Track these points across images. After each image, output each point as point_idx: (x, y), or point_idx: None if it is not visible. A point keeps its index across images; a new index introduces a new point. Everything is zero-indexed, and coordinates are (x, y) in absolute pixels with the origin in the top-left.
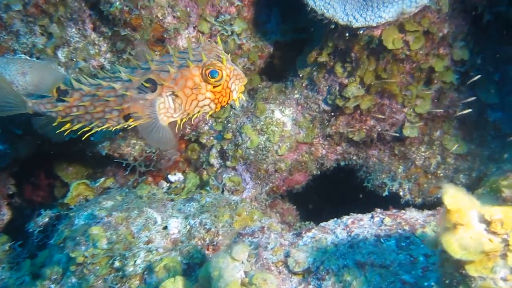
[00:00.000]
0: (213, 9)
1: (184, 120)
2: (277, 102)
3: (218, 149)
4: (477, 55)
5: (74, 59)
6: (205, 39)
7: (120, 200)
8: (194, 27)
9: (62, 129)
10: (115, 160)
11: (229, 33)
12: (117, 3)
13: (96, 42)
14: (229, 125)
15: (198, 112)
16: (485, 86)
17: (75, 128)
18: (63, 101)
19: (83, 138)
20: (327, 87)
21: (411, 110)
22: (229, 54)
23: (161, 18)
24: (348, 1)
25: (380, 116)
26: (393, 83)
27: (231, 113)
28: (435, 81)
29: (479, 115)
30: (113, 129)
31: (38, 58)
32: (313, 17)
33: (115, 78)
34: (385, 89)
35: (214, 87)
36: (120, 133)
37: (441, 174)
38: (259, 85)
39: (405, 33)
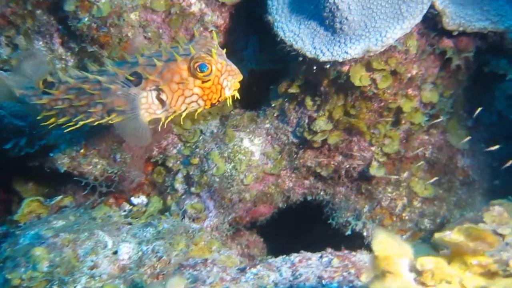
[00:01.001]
0: (187, 33)
1: (169, 118)
2: (247, 130)
3: (184, 174)
4: (448, 99)
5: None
6: (199, 33)
7: (73, 221)
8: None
9: (48, 122)
10: (75, 178)
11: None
12: (86, 19)
13: (63, 57)
14: (197, 150)
15: (186, 109)
16: (456, 131)
17: (60, 121)
18: (49, 93)
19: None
20: (297, 119)
21: (379, 149)
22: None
23: (131, 37)
24: (317, 34)
25: (348, 152)
26: (361, 120)
27: (200, 138)
28: (403, 122)
29: (449, 159)
30: (96, 124)
31: (1, 69)
32: (282, 48)
33: (102, 72)
34: (353, 126)
35: (203, 82)
36: (82, 151)
37: (406, 217)
38: (231, 112)
39: (373, 71)
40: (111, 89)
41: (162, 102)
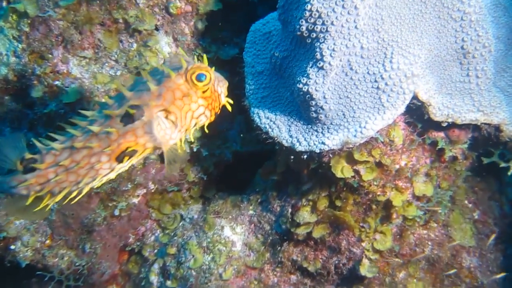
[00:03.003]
0: None
1: (183, 140)
2: (229, 217)
3: (160, 265)
4: (446, 190)
5: None
6: (172, 54)
7: None
8: None
9: (42, 205)
10: (38, 272)
11: (180, 142)
12: (53, 105)
13: (31, 143)
14: (175, 238)
15: (195, 124)
16: (459, 225)
17: (58, 198)
18: (33, 170)
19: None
20: (280, 207)
21: (370, 245)
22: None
23: None
24: (294, 122)
25: (335, 247)
26: (348, 212)
27: (180, 224)
28: (395, 216)
29: (452, 257)
30: (106, 180)
31: None
32: (258, 135)
33: (91, 122)
34: (339, 219)
35: (203, 92)
36: (47, 242)
37: None
38: (215, 195)
39: (355, 163)
40: (112, 133)
41: (173, 123)
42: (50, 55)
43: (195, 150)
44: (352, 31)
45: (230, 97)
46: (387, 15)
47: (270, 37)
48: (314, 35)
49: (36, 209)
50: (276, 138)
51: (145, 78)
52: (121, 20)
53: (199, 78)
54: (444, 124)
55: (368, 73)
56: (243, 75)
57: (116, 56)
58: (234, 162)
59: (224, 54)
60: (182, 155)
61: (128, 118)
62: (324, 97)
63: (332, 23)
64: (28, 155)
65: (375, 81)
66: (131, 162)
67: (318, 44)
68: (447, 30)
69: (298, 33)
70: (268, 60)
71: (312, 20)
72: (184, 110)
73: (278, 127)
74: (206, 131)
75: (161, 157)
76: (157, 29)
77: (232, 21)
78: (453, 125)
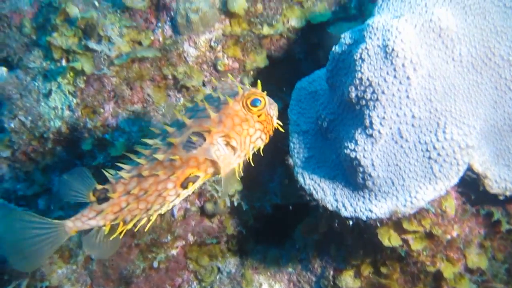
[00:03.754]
0: None
1: (241, 164)
2: (268, 273)
3: None
4: (502, 263)
5: (52, 207)
6: (222, 81)
7: None
8: None
9: (117, 233)
10: None
11: (238, 166)
12: (101, 157)
13: None
14: None
15: (253, 148)
16: None
17: (129, 226)
18: (107, 200)
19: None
20: (321, 268)
21: None
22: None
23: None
24: (339, 186)
25: None
26: (394, 281)
27: (217, 277)
28: None
29: None
30: (171, 206)
31: (17, 204)
32: (302, 196)
33: (152, 151)
34: (385, 286)
35: (258, 116)
36: None
37: None
38: (253, 249)
39: (404, 232)
40: (175, 160)
41: (232, 148)
42: (101, 110)
43: (235, 204)
44: (403, 100)
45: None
46: (440, 85)
47: (316, 96)
48: (364, 102)
49: (112, 237)
50: (320, 201)
51: (203, 105)
52: (170, 76)
53: (254, 103)
54: (501, 197)
55: (419, 142)
56: (287, 131)
57: (163, 110)
58: (274, 215)
59: None
60: (235, 179)
61: (190, 145)
62: (373, 164)
63: (383, 92)
64: (99, 186)
65: (427, 150)
66: (194, 187)
67: (368, 111)
68: (505, 101)
69: (347, 98)
70: (313, 120)
71: (362, 88)
72: (243, 135)
73: (323, 189)
74: (252, 163)
75: (201, 209)
76: (204, 84)
77: (277, 77)
78: (510, 199)
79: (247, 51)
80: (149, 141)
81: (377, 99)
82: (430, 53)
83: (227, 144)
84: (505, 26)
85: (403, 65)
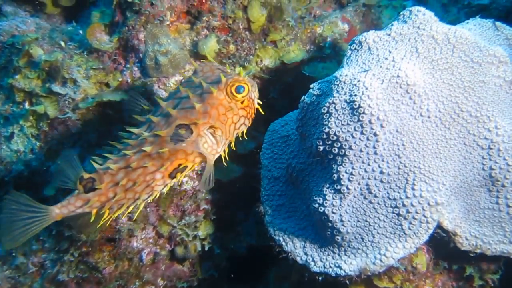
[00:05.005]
0: (178, 209)
1: (226, 150)
2: None
3: None
4: None
5: (13, 253)
6: (202, 63)
7: None
8: (153, 227)
9: (103, 221)
10: None
11: (191, 238)
12: None
13: (41, 238)
14: None
15: (236, 134)
16: None
17: (116, 214)
18: (94, 190)
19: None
20: None
21: None
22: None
23: (114, 218)
24: (309, 239)
25: None
26: None
27: None
28: None
29: None
30: (158, 195)
31: None
32: (272, 247)
33: (141, 142)
34: None
35: (241, 103)
36: None
37: None
38: None
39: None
40: (164, 153)
41: (218, 138)
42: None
43: (206, 248)
44: (371, 156)
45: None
46: (408, 141)
47: (288, 141)
48: (332, 156)
49: (99, 225)
50: (290, 254)
51: (186, 92)
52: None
53: (238, 90)
54: (472, 254)
55: (388, 197)
56: (259, 171)
57: None
58: (249, 255)
59: (241, 148)
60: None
61: (178, 138)
62: (341, 220)
63: (350, 148)
64: (86, 175)
65: (396, 206)
66: (182, 177)
67: (336, 166)
68: (474, 157)
69: (315, 151)
70: (285, 166)
71: (330, 143)
72: (227, 123)
73: (293, 241)
74: (233, 147)
75: (171, 253)
76: None
77: None
78: (482, 255)
79: None
80: (135, 130)
81: (344, 154)
82: (398, 108)
83: (213, 133)
84: (472, 82)
85: (370, 121)
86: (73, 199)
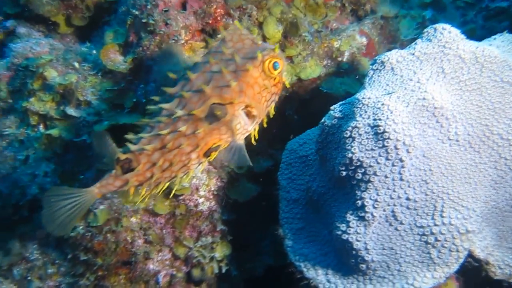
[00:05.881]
0: (194, 230)
1: (257, 129)
2: None
3: None
4: None
5: (29, 277)
6: (230, 29)
7: None
8: (169, 249)
9: (141, 198)
10: None
11: (208, 260)
12: (80, 228)
13: (56, 261)
14: None
15: (267, 112)
16: None
17: (153, 192)
18: (131, 170)
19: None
20: None
21: None
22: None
23: (130, 241)
24: (332, 265)
25: None
26: None
27: None
28: None
29: None
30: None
31: None
32: (292, 273)
33: (172, 120)
34: None
35: (274, 79)
36: None
37: None
38: None
39: None
40: (199, 132)
41: (252, 117)
42: (81, 176)
43: (224, 270)
44: (397, 182)
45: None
46: (436, 166)
47: (307, 161)
48: (355, 182)
49: (138, 201)
50: (311, 281)
51: (217, 67)
52: None
53: (275, 67)
54: (506, 284)
55: (415, 225)
56: (277, 191)
57: None
58: (267, 277)
59: (258, 166)
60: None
61: (213, 117)
62: (366, 248)
63: (374, 174)
64: (122, 156)
65: (424, 234)
66: (215, 155)
67: (360, 192)
68: (506, 181)
69: (337, 175)
70: (304, 188)
71: (353, 168)
72: (261, 102)
73: (315, 268)
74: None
75: (187, 275)
76: None
77: (267, 134)
78: None
79: None
80: (165, 106)
81: (369, 180)
82: (424, 132)
83: (247, 113)
84: (502, 103)
85: (395, 147)
86: (111, 179)
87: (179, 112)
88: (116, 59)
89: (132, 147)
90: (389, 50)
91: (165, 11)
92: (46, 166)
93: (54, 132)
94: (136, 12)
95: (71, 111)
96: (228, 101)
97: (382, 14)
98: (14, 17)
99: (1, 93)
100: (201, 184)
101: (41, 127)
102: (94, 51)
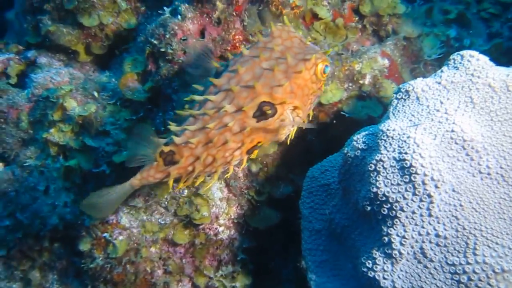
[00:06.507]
0: (214, 259)
1: (296, 129)
2: None
3: None
4: None
5: None
6: (279, 26)
7: None
8: (189, 279)
9: (178, 187)
10: None
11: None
12: (99, 259)
13: None
14: None
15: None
16: None
17: (189, 183)
18: (174, 163)
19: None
20: None
21: None
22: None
23: (149, 271)
24: None
25: None
26: None
27: None
28: None
29: None
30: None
31: None
32: None
33: (218, 114)
34: None
35: (320, 82)
36: None
37: None
38: None
39: None
40: (246, 129)
41: (296, 117)
42: None
43: None
44: (425, 218)
45: None
46: (467, 201)
47: (329, 190)
48: (381, 217)
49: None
50: None
51: (267, 63)
52: None
53: (325, 71)
54: None
55: (446, 262)
56: (298, 220)
57: (166, 203)
58: None
59: (278, 192)
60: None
61: (261, 115)
62: (394, 286)
63: (401, 209)
64: (166, 148)
65: (456, 273)
66: (255, 154)
67: (386, 228)
68: None
69: (361, 209)
70: (327, 218)
71: (378, 203)
72: (308, 103)
73: None
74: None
75: None
76: (208, 174)
77: (288, 159)
78: None
79: None
80: (211, 98)
81: (395, 216)
82: (453, 165)
83: (293, 113)
84: None
85: (423, 182)
86: (153, 171)
87: (228, 107)
88: (134, 87)
89: (177, 139)
90: (412, 70)
91: (184, 39)
92: (66, 196)
93: (73, 163)
94: (155, 42)
95: (90, 141)
96: (278, 101)
97: (404, 35)
98: (36, 46)
99: (22, 124)
100: (220, 212)
101: (60, 157)
102: (114, 79)
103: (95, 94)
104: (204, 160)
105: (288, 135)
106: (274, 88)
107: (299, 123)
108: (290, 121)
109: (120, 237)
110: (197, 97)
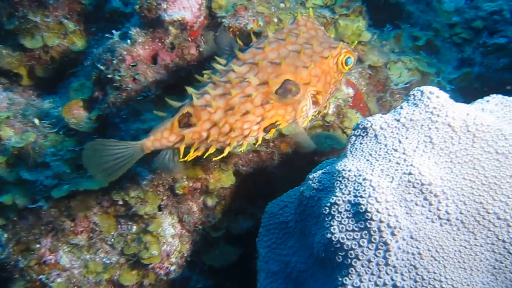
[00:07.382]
0: None
1: (311, 118)
2: None
3: None
4: None
5: None
6: (304, 16)
7: None
8: None
9: (189, 158)
10: None
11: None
12: None
13: None
14: None
15: (325, 104)
16: None
17: (200, 153)
18: (189, 126)
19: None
20: None
21: None
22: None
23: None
24: None
25: None
26: None
27: None
28: None
29: None
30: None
31: None
32: None
33: (241, 84)
34: None
35: (340, 74)
36: None
37: None
38: None
39: None
40: (268, 104)
41: (315, 103)
42: (37, 245)
43: None
44: (382, 267)
45: None
46: (425, 248)
47: (287, 229)
48: (336, 264)
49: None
50: None
51: (294, 47)
52: (120, 202)
53: (348, 62)
54: None
55: None
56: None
57: (112, 240)
58: None
59: (236, 227)
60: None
61: (284, 92)
62: None
63: (357, 257)
64: (185, 109)
65: None
66: (272, 133)
67: (341, 277)
68: (505, 267)
69: (316, 254)
70: (284, 260)
71: (333, 249)
72: (328, 92)
73: None
74: None
75: None
76: (160, 209)
77: (248, 192)
78: None
79: (210, 169)
80: (235, 67)
81: (350, 265)
82: (411, 210)
83: (313, 98)
84: (498, 177)
85: (379, 229)
86: (167, 132)
87: (252, 78)
88: (80, 116)
89: (196, 101)
90: (379, 99)
91: (133, 65)
92: None
93: (6, 199)
94: (102, 67)
95: (26, 175)
96: (302, 81)
97: (370, 64)
98: None
99: None
100: (172, 250)
101: None
102: (58, 106)
103: (36, 121)
104: (221, 127)
105: (304, 120)
106: (300, 68)
107: (318, 109)
108: (309, 105)
109: (59, 279)
110: (220, 67)
